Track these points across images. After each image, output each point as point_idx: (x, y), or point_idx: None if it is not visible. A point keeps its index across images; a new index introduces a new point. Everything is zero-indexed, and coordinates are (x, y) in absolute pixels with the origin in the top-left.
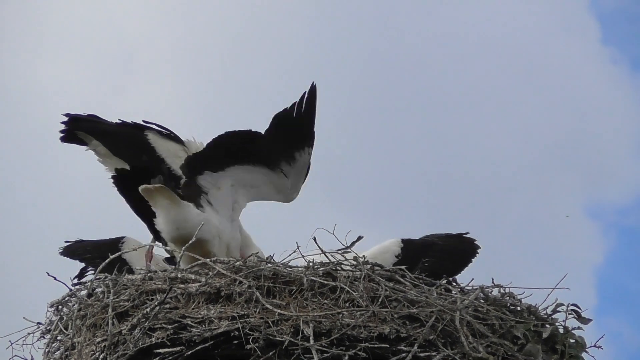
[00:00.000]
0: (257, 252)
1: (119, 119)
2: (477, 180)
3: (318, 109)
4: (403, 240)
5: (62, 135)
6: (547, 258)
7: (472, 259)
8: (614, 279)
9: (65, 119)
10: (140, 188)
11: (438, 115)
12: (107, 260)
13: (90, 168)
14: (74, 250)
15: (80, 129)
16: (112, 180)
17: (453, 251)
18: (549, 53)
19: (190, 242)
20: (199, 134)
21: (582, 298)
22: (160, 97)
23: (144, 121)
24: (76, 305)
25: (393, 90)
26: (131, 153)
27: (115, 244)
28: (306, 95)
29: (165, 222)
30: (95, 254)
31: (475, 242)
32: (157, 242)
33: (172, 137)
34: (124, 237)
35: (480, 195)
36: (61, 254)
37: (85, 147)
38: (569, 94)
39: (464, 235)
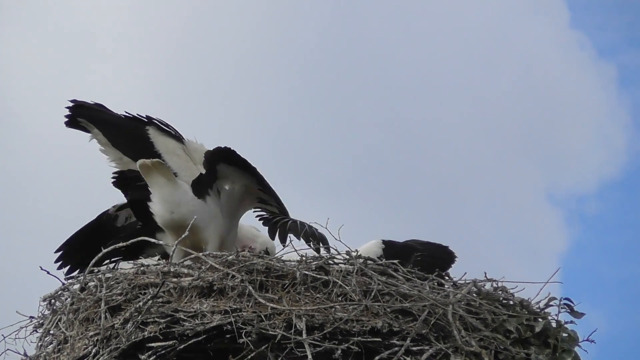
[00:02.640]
0: (265, 245)
1: (125, 112)
2: (437, 167)
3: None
4: (384, 242)
5: (66, 120)
6: (511, 246)
7: (448, 268)
8: (578, 267)
9: (71, 104)
10: (137, 163)
11: (399, 101)
12: (99, 255)
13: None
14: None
15: (82, 116)
16: (112, 180)
17: (431, 258)
18: (516, 35)
19: (184, 235)
20: (155, 113)
21: (548, 286)
22: (120, 77)
23: (147, 116)
24: (69, 299)
25: (354, 79)
26: (130, 145)
27: None
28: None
29: (160, 202)
30: None
31: (453, 253)
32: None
33: (172, 134)
34: None
35: (441, 182)
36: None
37: (89, 135)
38: (533, 79)
39: (444, 246)
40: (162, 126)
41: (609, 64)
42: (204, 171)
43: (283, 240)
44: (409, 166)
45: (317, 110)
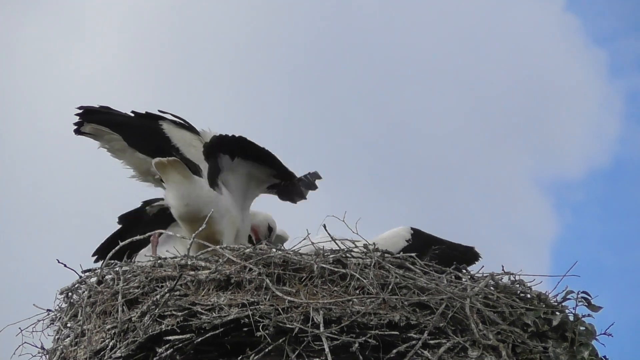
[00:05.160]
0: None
1: (132, 111)
2: (427, 154)
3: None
4: (412, 228)
5: (75, 128)
6: (501, 233)
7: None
8: (568, 254)
9: (79, 111)
10: (154, 161)
11: (389, 87)
12: (117, 247)
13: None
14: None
15: (94, 121)
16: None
17: (456, 252)
18: (508, 18)
19: (201, 228)
20: (145, 100)
21: (548, 278)
22: (108, 62)
23: (159, 111)
24: (86, 292)
25: (346, 67)
26: (146, 143)
27: None
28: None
29: (175, 197)
30: None
31: (478, 255)
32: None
33: (186, 126)
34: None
35: (431, 169)
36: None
37: (97, 144)
38: (524, 65)
39: (470, 247)
40: (176, 119)
41: (602, 50)
42: None
43: (300, 196)
44: (398, 153)
45: (308, 99)
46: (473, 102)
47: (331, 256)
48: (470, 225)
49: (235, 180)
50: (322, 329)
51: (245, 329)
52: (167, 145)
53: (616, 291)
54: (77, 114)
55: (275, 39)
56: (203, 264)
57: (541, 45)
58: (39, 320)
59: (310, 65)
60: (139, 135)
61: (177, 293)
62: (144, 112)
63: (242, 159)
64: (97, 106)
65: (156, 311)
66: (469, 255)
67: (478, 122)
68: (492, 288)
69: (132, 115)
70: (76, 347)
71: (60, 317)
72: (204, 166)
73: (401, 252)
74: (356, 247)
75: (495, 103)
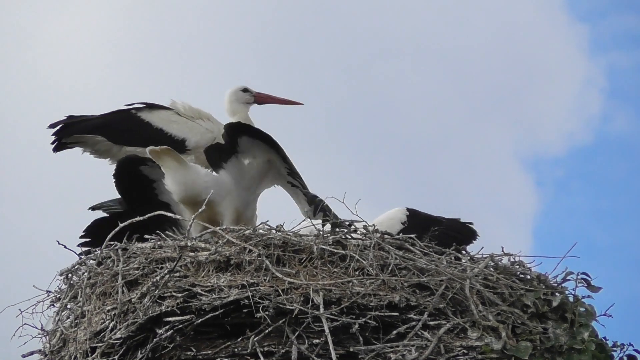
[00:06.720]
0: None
1: (93, 115)
2: (409, 128)
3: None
4: (408, 209)
5: (54, 147)
6: (483, 208)
7: (468, 244)
8: (550, 231)
9: (54, 129)
10: (147, 150)
11: (367, 60)
12: (117, 229)
13: None
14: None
15: (73, 133)
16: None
17: (454, 232)
18: None
19: (200, 210)
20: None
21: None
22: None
23: (126, 105)
24: (86, 274)
25: (323, 36)
26: (131, 136)
27: None
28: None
29: (174, 183)
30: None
31: (476, 232)
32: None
33: (158, 106)
34: None
35: (412, 144)
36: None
37: (80, 150)
38: (506, 39)
39: (467, 224)
40: (144, 104)
41: (585, 26)
42: (205, 125)
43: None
44: (379, 130)
45: (285, 69)
46: (455, 78)
47: (331, 237)
48: (452, 202)
49: (250, 162)
50: (322, 310)
51: (245, 310)
52: (150, 130)
53: (604, 269)
54: (53, 134)
55: (252, 10)
56: (203, 245)
57: (524, 21)
58: (39, 302)
59: (292, 43)
60: (122, 130)
61: (177, 274)
62: (109, 111)
63: (264, 145)
64: (64, 118)
65: (156, 292)
66: (466, 233)
67: (460, 98)
68: (491, 269)
69: (105, 115)
70: (76, 328)
71: (60, 299)
72: (192, 136)
73: (400, 234)
74: (356, 228)
75: (477, 79)
